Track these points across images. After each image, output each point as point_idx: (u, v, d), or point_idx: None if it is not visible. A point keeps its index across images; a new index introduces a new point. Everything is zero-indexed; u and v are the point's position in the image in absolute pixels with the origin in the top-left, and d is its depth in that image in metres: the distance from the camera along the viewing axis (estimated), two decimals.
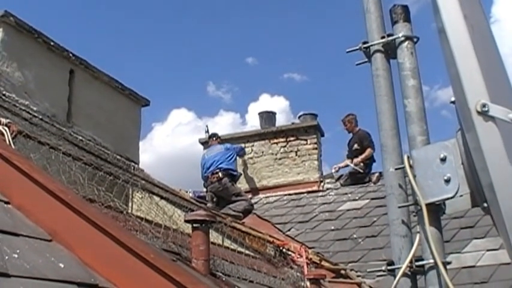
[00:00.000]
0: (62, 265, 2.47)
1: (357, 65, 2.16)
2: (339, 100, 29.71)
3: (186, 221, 3.68)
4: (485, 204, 1.76)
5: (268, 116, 11.64)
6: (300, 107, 42.23)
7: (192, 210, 5.80)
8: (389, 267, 1.95)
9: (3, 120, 3.77)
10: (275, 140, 11.17)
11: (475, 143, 1.68)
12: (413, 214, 1.94)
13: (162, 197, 5.76)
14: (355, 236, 8.10)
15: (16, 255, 2.31)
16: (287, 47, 31.89)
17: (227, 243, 5.80)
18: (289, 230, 8.73)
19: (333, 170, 11.02)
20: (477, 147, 1.68)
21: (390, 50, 2.09)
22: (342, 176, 10.71)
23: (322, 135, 11.41)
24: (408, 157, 1.92)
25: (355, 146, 10.65)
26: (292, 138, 11.10)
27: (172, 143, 29.70)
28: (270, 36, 31.66)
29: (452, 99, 1.80)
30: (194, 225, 3.58)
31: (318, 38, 31.56)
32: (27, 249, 2.44)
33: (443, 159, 1.84)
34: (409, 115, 1.97)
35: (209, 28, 32.15)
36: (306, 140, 11.05)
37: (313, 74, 32.56)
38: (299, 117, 11.69)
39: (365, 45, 2.12)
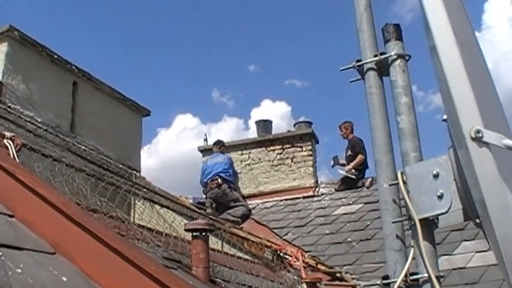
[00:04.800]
0: (64, 278, 2.49)
1: (351, 82, 2.21)
2: (339, 106, 29.80)
3: (186, 230, 3.73)
4: (477, 220, 1.79)
5: (264, 125, 11.87)
6: (302, 112, 42.46)
7: (192, 218, 5.86)
8: (384, 281, 1.99)
9: (8, 134, 3.82)
10: (271, 148, 11.37)
11: (466, 159, 1.72)
12: (407, 229, 1.98)
13: (162, 205, 5.82)
14: (349, 239, 8.22)
15: (19, 270, 2.32)
16: (287, 55, 32.12)
17: (226, 248, 5.85)
18: (286, 235, 8.85)
19: (331, 163, 11.27)
20: (469, 165, 1.71)
21: (383, 68, 2.14)
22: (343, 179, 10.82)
23: (317, 142, 11.64)
24: (402, 173, 1.97)
25: (349, 152, 10.88)
26: (288, 146, 11.31)
27: (177, 148, 29.84)
28: (271, 45, 31.83)
29: (444, 117, 1.84)
30: (194, 233, 3.63)
31: (318, 44, 31.71)
32: (30, 263, 2.46)
33: (436, 175, 1.88)
34: (402, 132, 2.02)
35: (213, 36, 32.34)
36: (301, 147, 11.25)
37: (314, 80, 32.68)
38: (294, 125, 11.96)
39: (358, 64, 2.17)
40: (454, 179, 1.86)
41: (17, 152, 3.70)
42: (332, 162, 11.28)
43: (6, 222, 2.79)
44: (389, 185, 2.01)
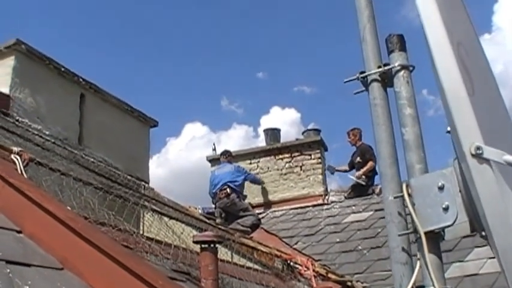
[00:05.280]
0: None
1: (355, 94, 2.20)
2: (349, 112, 29.75)
3: (195, 242, 3.72)
4: (483, 233, 1.78)
5: (273, 133, 11.89)
6: (311, 118, 42.42)
7: (201, 229, 5.85)
8: None
9: (15, 149, 3.83)
10: (280, 156, 11.42)
11: (468, 174, 1.71)
12: (413, 241, 1.97)
13: (171, 217, 5.81)
14: (360, 247, 8.20)
15: (27, 287, 2.34)
16: (296, 61, 32.11)
17: (236, 258, 5.84)
18: (296, 244, 8.84)
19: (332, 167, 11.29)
20: (470, 179, 1.71)
21: (387, 79, 2.13)
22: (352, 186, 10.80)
23: (326, 150, 11.64)
24: (407, 185, 1.96)
25: (358, 159, 10.89)
26: (296, 154, 11.33)
27: (186, 157, 29.91)
28: (279, 51, 31.87)
29: (448, 129, 1.83)
30: (202, 245, 3.63)
31: (326, 50, 31.70)
32: (38, 279, 2.47)
33: (441, 188, 1.87)
34: (407, 143, 2.01)
35: (221, 45, 32.42)
36: (310, 155, 11.28)
37: (323, 86, 32.68)
38: (303, 133, 11.97)
39: (362, 75, 2.16)
40: (460, 191, 1.84)
41: (24, 167, 3.71)
42: (328, 172, 11.27)
43: (14, 239, 2.80)
44: (395, 198, 2.00)
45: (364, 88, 2.18)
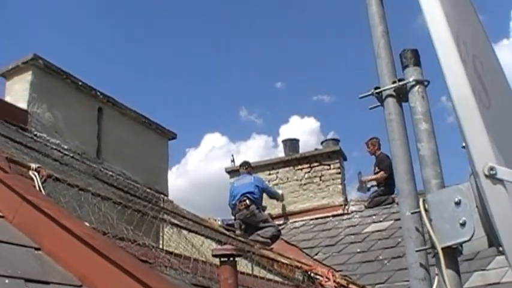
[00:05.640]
0: None
1: (370, 109, 2.19)
2: (368, 120, 29.60)
3: (214, 256, 3.72)
4: (500, 248, 1.77)
5: (291, 144, 11.88)
6: (331, 127, 42.33)
7: (220, 242, 5.85)
8: None
9: (33, 166, 3.85)
10: (299, 166, 11.40)
11: (483, 193, 1.70)
12: (431, 256, 1.96)
13: (190, 230, 5.82)
14: (381, 257, 8.12)
15: None
16: (314, 70, 32.06)
17: (256, 270, 5.83)
18: (316, 254, 8.79)
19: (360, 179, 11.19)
20: (485, 198, 1.69)
21: (402, 94, 2.12)
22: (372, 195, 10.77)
23: (345, 160, 11.62)
24: (423, 201, 1.94)
25: (376, 169, 10.88)
26: (315, 164, 11.30)
27: (205, 168, 29.91)
28: (297, 61, 31.84)
29: (463, 144, 1.82)
30: (222, 259, 3.62)
31: (344, 58, 31.64)
32: None
33: (458, 203, 1.86)
34: (423, 159, 2.00)
35: (238, 56, 32.51)
36: (329, 165, 11.25)
37: (342, 94, 32.56)
38: (322, 143, 11.95)
39: (377, 91, 2.16)
40: (477, 207, 1.83)
41: (42, 183, 3.72)
42: (362, 190, 11.24)
43: (33, 256, 2.82)
44: (412, 213, 1.98)
45: (379, 103, 2.17)
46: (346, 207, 10.72)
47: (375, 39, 2.23)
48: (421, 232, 1.99)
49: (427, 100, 2.07)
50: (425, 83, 2.10)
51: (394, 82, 2.13)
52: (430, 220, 1.89)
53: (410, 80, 2.09)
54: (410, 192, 2.03)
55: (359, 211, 10.46)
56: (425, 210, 1.92)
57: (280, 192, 11.08)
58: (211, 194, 25.45)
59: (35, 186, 3.62)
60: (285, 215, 11.07)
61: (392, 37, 2.27)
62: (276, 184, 11.29)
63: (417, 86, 2.08)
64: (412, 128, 2.08)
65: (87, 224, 3.38)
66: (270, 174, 11.42)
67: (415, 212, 1.97)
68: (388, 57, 2.19)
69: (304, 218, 10.78)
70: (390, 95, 2.13)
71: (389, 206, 10.17)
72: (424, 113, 2.04)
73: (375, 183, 10.95)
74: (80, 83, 7.04)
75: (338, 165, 11.19)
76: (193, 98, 34.44)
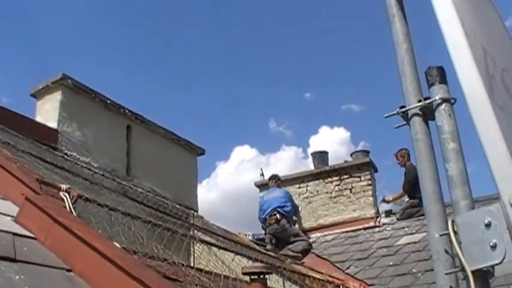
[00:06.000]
0: None
1: (396, 128, 2.17)
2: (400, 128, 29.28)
3: (244, 274, 3.71)
4: None
5: (320, 156, 11.80)
6: (361, 136, 42.11)
7: (251, 257, 5.84)
8: None
9: (64, 186, 3.89)
10: (329, 179, 11.30)
11: (510, 221, 1.67)
12: (461, 279, 1.92)
13: (220, 247, 5.82)
14: (414, 270, 7.99)
15: None
16: (342, 80, 31.92)
17: (287, 285, 5.81)
18: (348, 268, 8.71)
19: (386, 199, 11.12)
20: None
21: (428, 113, 2.08)
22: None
23: (376, 171, 11.47)
24: (452, 222, 1.91)
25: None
26: (345, 176, 11.20)
27: (235, 180, 29.98)
28: (325, 71, 31.79)
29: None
30: (252, 277, 3.61)
31: (373, 66, 31.44)
32: None
33: (488, 225, 1.82)
34: (451, 179, 1.96)
35: (266, 67, 32.53)
36: (359, 177, 11.12)
37: (371, 103, 32.34)
38: (351, 154, 11.82)
39: (402, 110, 2.13)
40: (507, 229, 1.79)
41: (73, 204, 3.76)
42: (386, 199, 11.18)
43: (64, 278, 2.84)
44: (441, 235, 1.95)
45: (405, 122, 2.15)
46: (378, 219, 10.60)
47: (399, 56, 2.21)
48: (451, 254, 1.95)
49: (454, 118, 2.03)
50: (452, 101, 2.06)
51: (419, 101, 2.10)
52: (459, 242, 1.86)
53: (437, 98, 2.05)
54: (438, 213, 1.99)
55: (391, 223, 10.33)
56: (455, 232, 1.88)
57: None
58: (242, 206, 25.50)
59: (65, 207, 3.65)
60: (316, 228, 11.00)
61: (416, 53, 2.24)
62: (306, 197, 11.25)
63: (444, 104, 2.04)
64: (439, 146, 2.05)
65: (117, 244, 3.41)
66: (299, 187, 11.35)
67: (444, 234, 1.94)
68: (413, 75, 2.16)
69: (336, 231, 10.69)
70: (416, 114, 2.10)
71: (422, 217, 10.02)
72: (452, 132, 2.00)
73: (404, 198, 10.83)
74: (109, 101, 7.13)
75: (369, 176, 11.08)
76: (222, 111, 34.57)
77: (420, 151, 2.06)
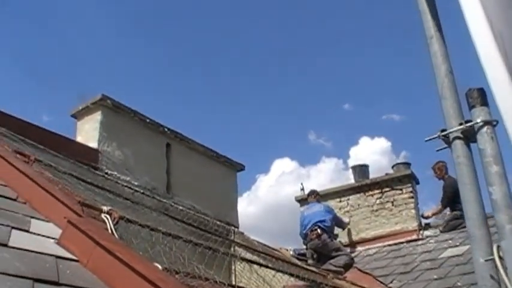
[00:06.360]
0: None
1: (437, 151, 2.14)
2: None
3: None
4: None
5: (361, 169, 11.69)
6: (402, 146, 41.69)
7: (292, 274, 5.81)
8: None
9: (105, 208, 3.91)
10: (370, 192, 11.18)
11: None
12: None
13: (261, 265, 5.80)
14: (459, 283, 7.83)
15: None
16: (381, 90, 31.70)
17: None
18: (391, 282, 8.60)
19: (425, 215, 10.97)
20: None
21: (470, 136, 2.05)
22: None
23: (418, 183, 11.28)
24: (498, 247, 1.87)
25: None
26: (387, 189, 11.06)
27: (276, 193, 29.99)
28: (363, 81, 31.57)
29: None
30: None
31: (410, 76, 31.13)
32: None
33: None
34: (495, 203, 1.92)
35: (304, 79, 32.51)
36: (401, 189, 10.97)
37: (412, 112, 32.01)
38: (393, 167, 11.66)
39: (443, 133, 2.10)
40: None
41: (114, 225, 3.78)
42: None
43: None
44: (486, 261, 1.91)
45: (446, 145, 2.11)
46: (421, 232, 10.45)
47: (439, 79, 2.18)
48: (497, 280, 1.91)
49: (496, 141, 1.99)
50: (494, 123, 2.02)
51: (460, 124, 2.07)
52: (505, 269, 1.82)
53: (478, 121, 2.02)
54: (483, 237, 1.96)
55: (434, 236, 10.17)
56: (500, 258, 1.85)
57: (347, 220, 10.92)
58: (282, 219, 25.46)
59: (107, 229, 3.68)
60: (358, 242, 10.91)
61: (456, 74, 2.21)
62: (347, 211, 11.16)
63: (485, 127, 2.01)
64: (482, 169, 2.01)
65: (158, 265, 3.42)
66: (340, 201, 11.27)
67: (489, 259, 1.90)
68: (453, 98, 2.13)
69: (378, 245, 10.57)
70: (457, 137, 2.07)
71: (465, 229, 9.84)
72: (495, 155, 1.97)
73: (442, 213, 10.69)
74: (148, 120, 7.20)
75: (410, 189, 10.92)
76: (261, 124, 34.63)
77: (463, 175, 2.03)
